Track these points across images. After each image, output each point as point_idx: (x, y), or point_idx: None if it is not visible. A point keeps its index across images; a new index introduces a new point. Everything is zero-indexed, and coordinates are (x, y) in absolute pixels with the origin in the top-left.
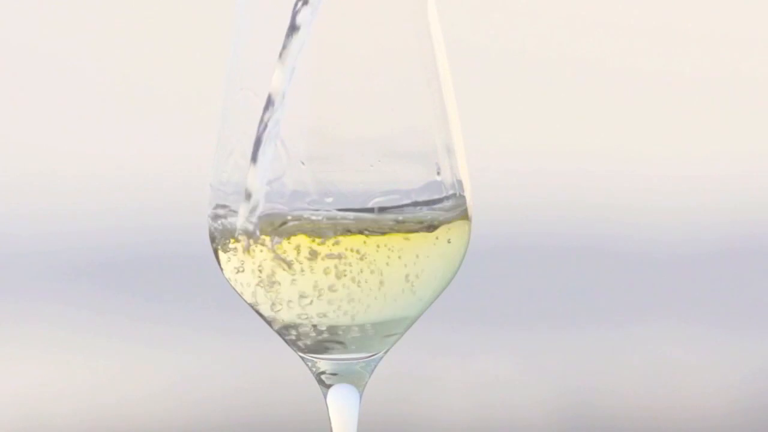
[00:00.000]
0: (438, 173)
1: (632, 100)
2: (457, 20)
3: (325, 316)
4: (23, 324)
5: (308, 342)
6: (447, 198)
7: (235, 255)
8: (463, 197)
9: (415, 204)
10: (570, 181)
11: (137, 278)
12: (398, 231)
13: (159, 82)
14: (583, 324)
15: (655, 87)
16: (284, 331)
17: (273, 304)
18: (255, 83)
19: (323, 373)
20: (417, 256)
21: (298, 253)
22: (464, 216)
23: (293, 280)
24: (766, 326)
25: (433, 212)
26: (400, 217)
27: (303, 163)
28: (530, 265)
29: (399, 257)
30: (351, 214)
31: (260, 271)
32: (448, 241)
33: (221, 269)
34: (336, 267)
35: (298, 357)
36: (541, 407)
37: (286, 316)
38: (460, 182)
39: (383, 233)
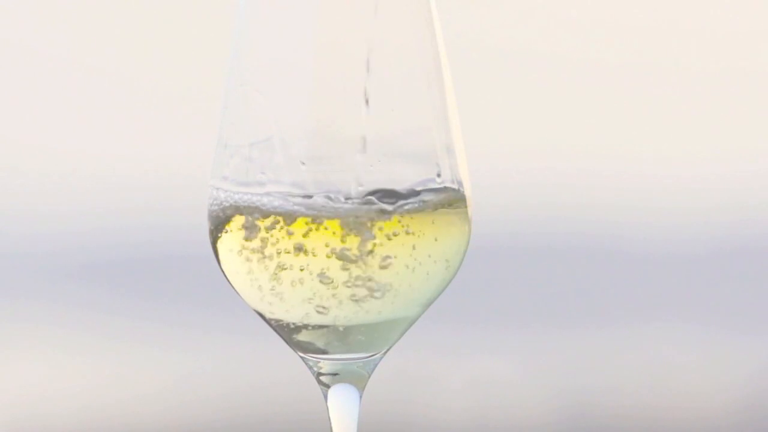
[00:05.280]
0: (438, 173)
1: (633, 101)
2: (458, 20)
3: (324, 315)
4: (23, 324)
5: (308, 342)
6: (447, 198)
7: (229, 246)
8: (463, 197)
9: (415, 203)
10: (570, 181)
11: (137, 278)
12: (398, 231)
13: (159, 82)
14: (583, 324)
15: (655, 88)
16: (283, 330)
17: (271, 302)
18: (255, 80)
19: (323, 373)
20: (417, 256)
21: (297, 251)
22: (464, 216)
23: (291, 279)
24: (766, 326)
25: (432, 212)
26: (401, 217)
27: (303, 163)
28: (530, 265)
29: (398, 257)
30: (351, 215)
31: (259, 266)
32: (448, 241)
33: (221, 269)
34: (336, 267)
35: (298, 357)
36: (541, 407)
37: (285, 315)
38: (460, 182)
39: (383, 233)
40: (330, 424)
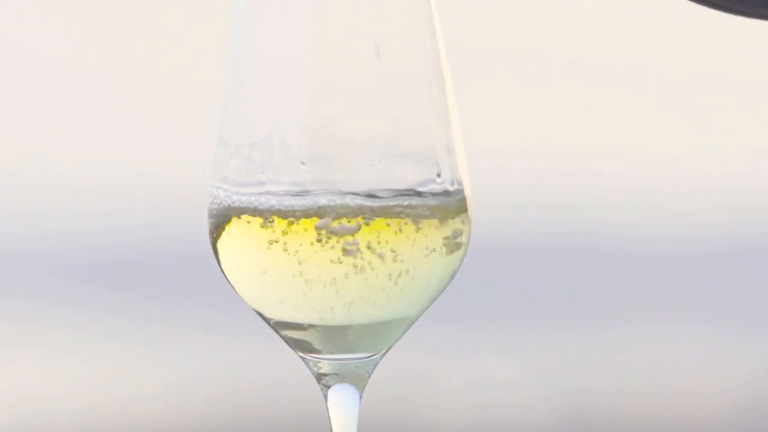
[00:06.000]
0: (438, 173)
1: (633, 101)
2: (458, 20)
3: (324, 315)
4: (23, 324)
5: (308, 341)
6: (447, 198)
7: (230, 240)
8: (463, 197)
9: (415, 203)
10: (570, 181)
11: (137, 278)
12: (397, 231)
13: (159, 82)
14: (582, 324)
15: (655, 88)
16: (283, 330)
17: (271, 301)
18: (255, 80)
19: (323, 373)
20: (417, 256)
21: (297, 251)
22: (464, 216)
23: (291, 279)
24: (766, 326)
25: (433, 212)
26: (400, 217)
27: (303, 163)
28: (530, 265)
29: (399, 257)
30: (351, 215)
31: (258, 265)
32: (448, 241)
33: (221, 269)
34: (336, 266)
35: (298, 357)
36: (541, 407)
37: (285, 314)
38: (460, 182)
39: (383, 233)
40: (330, 424)
